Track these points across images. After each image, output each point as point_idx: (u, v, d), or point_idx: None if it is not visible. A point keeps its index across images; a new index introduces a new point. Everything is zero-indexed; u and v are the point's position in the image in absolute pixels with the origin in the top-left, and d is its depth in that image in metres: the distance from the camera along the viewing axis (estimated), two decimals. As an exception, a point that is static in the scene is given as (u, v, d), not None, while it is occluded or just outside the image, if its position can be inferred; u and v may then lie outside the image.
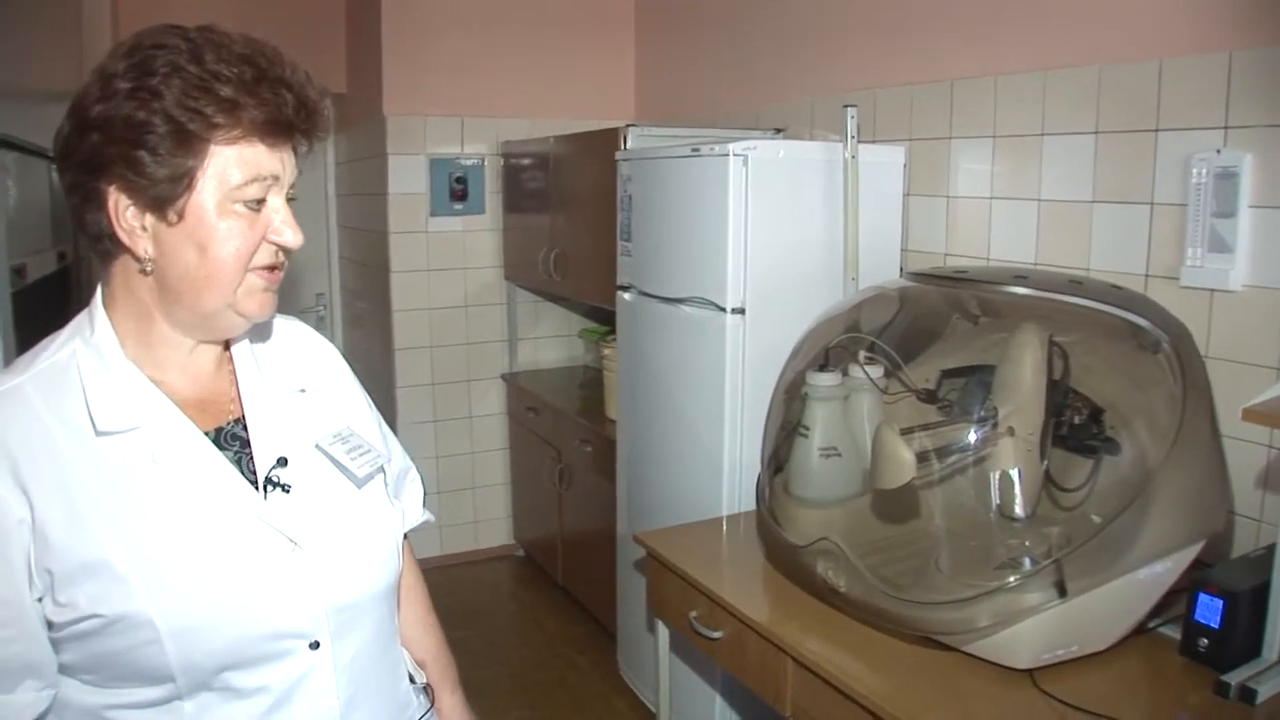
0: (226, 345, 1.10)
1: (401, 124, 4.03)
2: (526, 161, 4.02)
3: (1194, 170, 1.92)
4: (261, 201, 0.98)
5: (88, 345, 1.00)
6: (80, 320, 1.03)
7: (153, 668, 0.95)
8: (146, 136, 0.92)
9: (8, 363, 1.43)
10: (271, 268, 1.01)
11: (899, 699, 1.55)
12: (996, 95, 2.40)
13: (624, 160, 2.93)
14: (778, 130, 3.20)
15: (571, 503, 3.81)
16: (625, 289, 2.98)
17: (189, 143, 0.93)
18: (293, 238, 1.00)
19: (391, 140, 4.02)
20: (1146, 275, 2.05)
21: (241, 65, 0.95)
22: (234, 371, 1.09)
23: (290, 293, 4.94)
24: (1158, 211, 2.03)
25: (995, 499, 1.71)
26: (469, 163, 4.17)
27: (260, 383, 1.10)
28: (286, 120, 0.97)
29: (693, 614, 2.06)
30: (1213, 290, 1.92)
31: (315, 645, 1.03)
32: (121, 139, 0.92)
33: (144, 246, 0.96)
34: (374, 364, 4.46)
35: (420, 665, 1.34)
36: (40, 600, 0.94)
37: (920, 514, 1.85)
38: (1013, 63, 2.35)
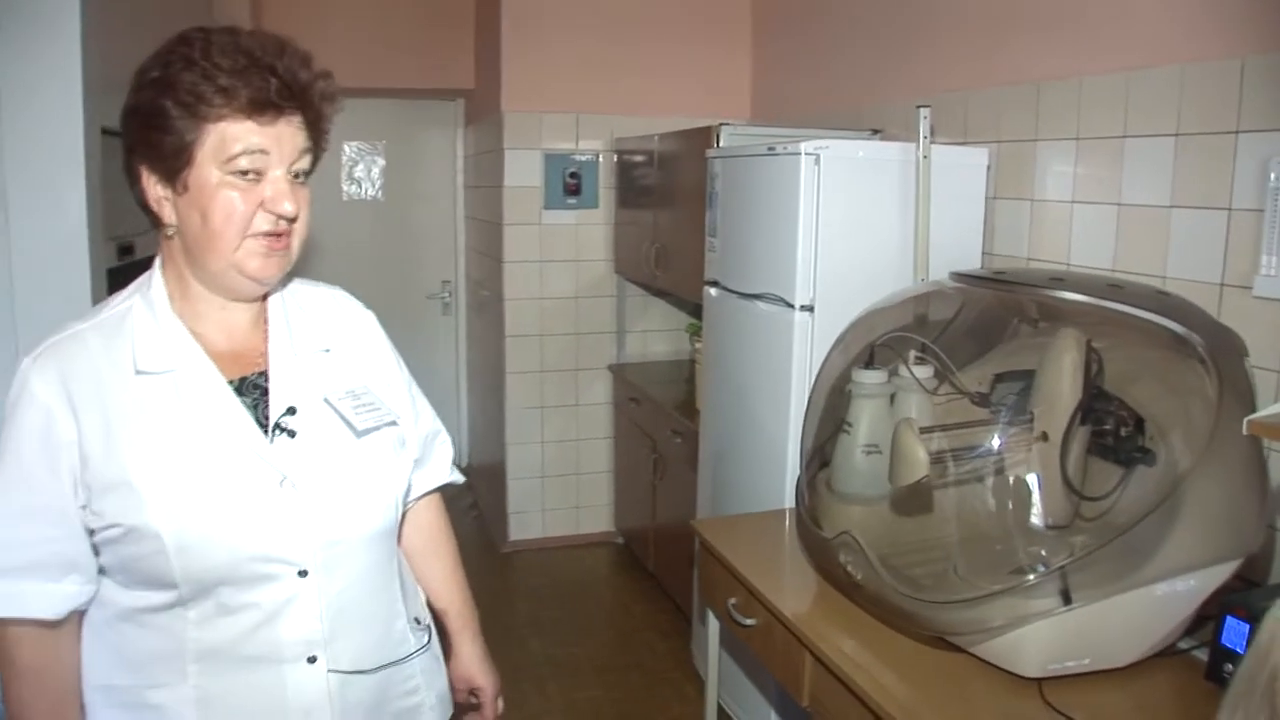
0: (264, 299, 1.26)
1: (518, 120, 4.19)
2: (637, 158, 4.11)
3: (1272, 174, 1.82)
4: (260, 175, 1.12)
5: (144, 299, 1.19)
6: (143, 278, 1.23)
7: (160, 574, 1.12)
8: (159, 118, 1.09)
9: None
10: (273, 234, 1.15)
11: (906, 700, 1.55)
12: (1081, 97, 2.32)
13: (713, 158, 2.98)
14: (874, 131, 3.18)
15: (664, 493, 3.88)
16: (712, 285, 3.03)
17: (190, 121, 1.09)
18: (289, 208, 1.14)
19: (508, 135, 4.18)
20: (1221, 284, 1.95)
21: (238, 55, 1.10)
22: (268, 328, 1.25)
23: (417, 278, 5.23)
24: (1235, 217, 1.92)
25: (1019, 503, 1.68)
26: (583, 158, 4.30)
27: (288, 340, 1.25)
28: (269, 100, 1.11)
29: (731, 601, 2.10)
30: (1287, 302, 1.82)
31: (304, 573, 1.17)
32: (144, 122, 1.11)
33: (168, 214, 1.14)
34: (489, 349, 4.66)
35: (443, 614, 1.46)
36: (83, 509, 1.12)
37: (943, 515, 1.83)
38: (1097, 63, 2.27)
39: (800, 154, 2.41)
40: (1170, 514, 1.49)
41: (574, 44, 4.18)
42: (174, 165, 1.10)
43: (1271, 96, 1.85)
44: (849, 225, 2.47)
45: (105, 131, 1.74)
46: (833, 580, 1.89)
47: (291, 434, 1.19)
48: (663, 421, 3.83)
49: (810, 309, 2.48)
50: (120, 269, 1.91)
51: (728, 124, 3.21)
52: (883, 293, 2.41)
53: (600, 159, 4.32)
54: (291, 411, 1.20)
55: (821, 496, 2.07)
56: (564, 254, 4.36)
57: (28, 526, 1.11)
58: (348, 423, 1.24)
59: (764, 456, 2.67)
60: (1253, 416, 1.23)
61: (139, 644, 1.16)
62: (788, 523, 2.40)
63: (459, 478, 1.50)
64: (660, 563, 3.99)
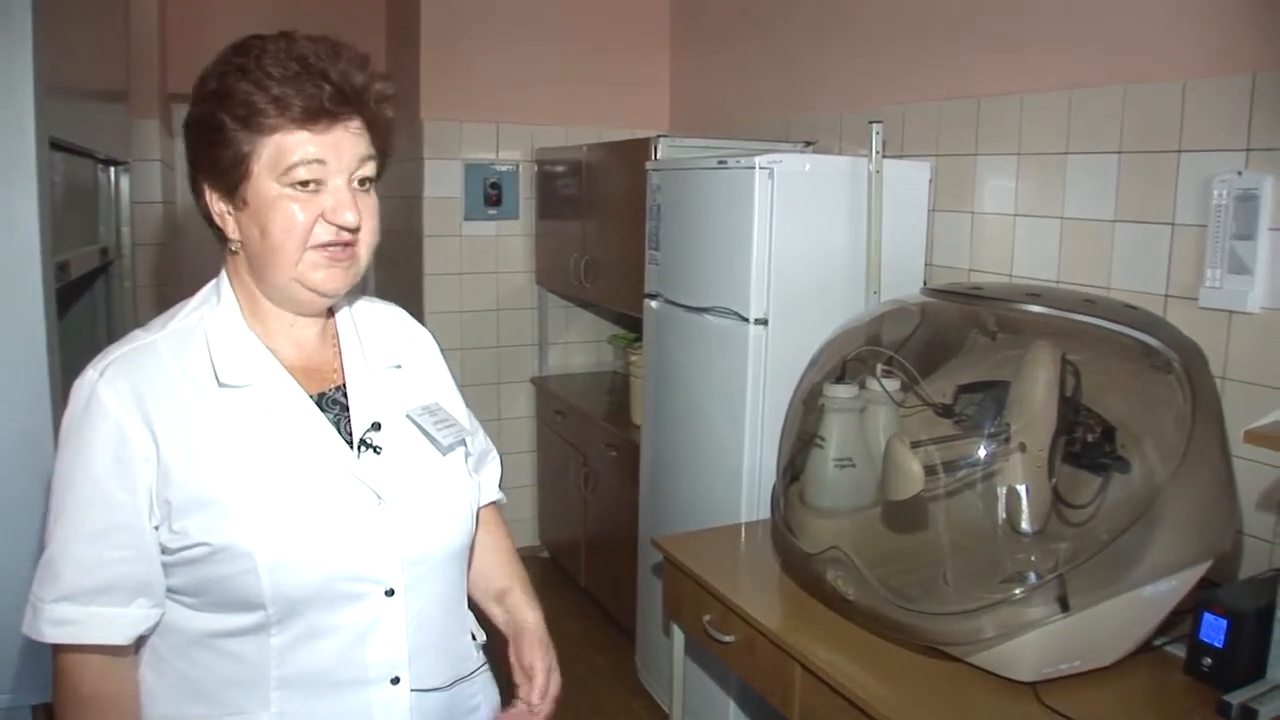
0: (330, 314, 1.23)
1: (438, 129, 4.11)
2: (560, 169, 4.08)
3: (1215, 192, 1.93)
4: (321, 185, 1.08)
5: (214, 311, 1.15)
6: (208, 291, 1.19)
7: (248, 595, 1.07)
8: (216, 132, 1.06)
9: (50, 354, 1.53)
10: (336, 245, 1.11)
11: (902, 708, 1.57)
12: (1022, 113, 2.42)
13: (654, 170, 2.98)
14: (808, 143, 3.23)
15: (595, 506, 3.85)
16: (653, 297, 3.02)
17: (245, 134, 1.05)
18: (350, 218, 1.09)
19: (428, 145, 4.09)
20: (1166, 295, 2.06)
21: (290, 62, 1.06)
22: (337, 344, 1.22)
23: (327, 292, 5.05)
24: (1178, 232, 2.04)
25: (1004, 513, 1.73)
26: (504, 168, 4.24)
27: (361, 355, 1.23)
28: (322, 108, 1.06)
29: (706, 618, 2.09)
30: (1231, 312, 1.92)
31: (390, 593, 1.14)
32: (203, 136, 1.08)
33: (231, 229, 1.11)
34: (406, 364, 4.53)
35: (506, 591, 1.42)
36: (157, 528, 1.07)
37: (930, 526, 1.87)
38: (1039, 81, 2.36)
39: (755, 168, 2.43)
40: (1153, 520, 1.56)
41: (493, 54, 4.12)
42: (232, 179, 1.07)
43: (1213, 118, 1.96)
44: (800, 239, 2.50)
45: (54, 144, 1.62)
46: (817, 594, 1.91)
47: (377, 450, 1.18)
48: (593, 434, 3.80)
49: (764, 322, 2.50)
50: (60, 290, 1.77)
51: (665, 136, 3.21)
52: (834, 306, 2.46)
53: (520, 169, 4.27)
54: (376, 427, 1.19)
55: (795, 510, 2.09)
56: (484, 265, 4.29)
57: (100, 547, 1.06)
58: (433, 439, 1.22)
59: (717, 470, 2.68)
60: (1250, 427, 1.30)
61: (214, 670, 1.11)
62: (744, 537, 2.42)
63: (503, 497, 1.49)
64: (593, 577, 3.96)
